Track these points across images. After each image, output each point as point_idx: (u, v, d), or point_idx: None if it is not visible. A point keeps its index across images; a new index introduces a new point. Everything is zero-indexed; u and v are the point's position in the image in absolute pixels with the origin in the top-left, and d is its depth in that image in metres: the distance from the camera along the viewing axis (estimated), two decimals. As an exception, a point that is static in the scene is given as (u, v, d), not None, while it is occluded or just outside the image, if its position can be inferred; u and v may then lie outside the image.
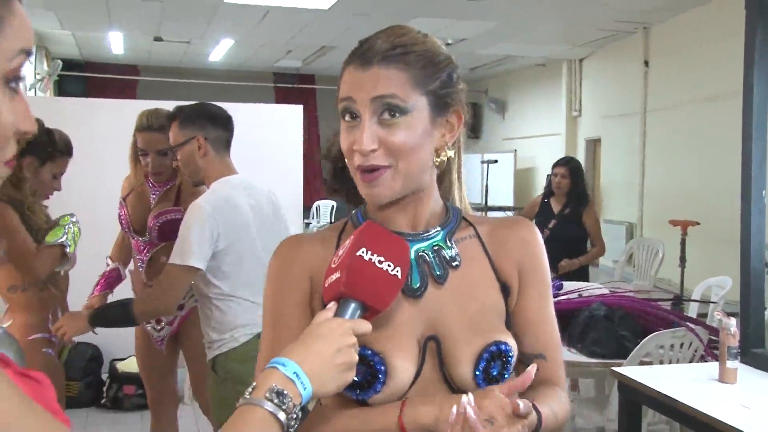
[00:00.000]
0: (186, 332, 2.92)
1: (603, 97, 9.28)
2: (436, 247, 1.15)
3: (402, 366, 1.07)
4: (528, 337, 1.17)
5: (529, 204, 5.48)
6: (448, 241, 1.16)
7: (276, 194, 5.26)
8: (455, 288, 1.14)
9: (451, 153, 1.17)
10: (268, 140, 5.13)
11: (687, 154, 7.52)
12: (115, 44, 10.67)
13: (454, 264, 1.15)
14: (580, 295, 3.57)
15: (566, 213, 4.91)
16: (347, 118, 1.09)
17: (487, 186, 7.90)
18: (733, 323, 2.15)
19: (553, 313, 1.22)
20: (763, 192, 2.29)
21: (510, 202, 10.66)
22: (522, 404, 0.99)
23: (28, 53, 0.69)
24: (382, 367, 1.06)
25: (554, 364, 1.20)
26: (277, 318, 1.15)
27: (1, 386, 0.64)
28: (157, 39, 9.90)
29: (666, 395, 2.03)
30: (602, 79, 9.39)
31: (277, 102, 11.65)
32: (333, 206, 10.91)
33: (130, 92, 11.99)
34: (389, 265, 1.02)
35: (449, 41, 9.16)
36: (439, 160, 1.14)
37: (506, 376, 1.11)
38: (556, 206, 4.98)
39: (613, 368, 2.34)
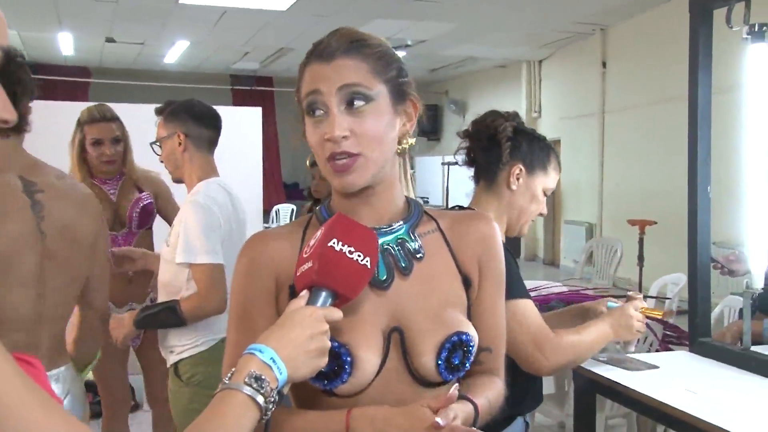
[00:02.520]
0: (148, 338, 2.90)
1: (562, 98, 9.33)
2: (400, 240, 1.18)
3: (367, 357, 1.11)
4: (479, 329, 1.20)
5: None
6: (411, 235, 1.20)
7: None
8: (419, 280, 1.17)
9: (412, 140, 1.21)
10: (226, 143, 5.00)
11: (644, 154, 7.58)
12: (65, 45, 10.40)
13: (418, 256, 1.18)
14: (539, 294, 3.56)
15: None
16: (314, 113, 1.12)
17: (447, 187, 7.88)
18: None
19: (504, 306, 1.27)
20: (708, 188, 2.34)
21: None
22: (442, 421, 1.05)
23: (2, 49, 0.71)
24: (348, 359, 1.09)
25: (498, 356, 1.27)
26: (243, 314, 1.18)
27: (4, 367, 0.66)
28: (110, 40, 9.66)
29: (617, 383, 2.07)
30: (561, 80, 9.44)
31: (235, 104, 11.48)
32: (293, 209, 10.80)
33: (81, 95, 11.71)
34: (359, 255, 1.05)
35: (409, 42, 9.11)
36: (401, 147, 1.19)
37: (467, 365, 1.16)
38: None
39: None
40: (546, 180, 1.99)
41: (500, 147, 1.93)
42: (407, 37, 8.79)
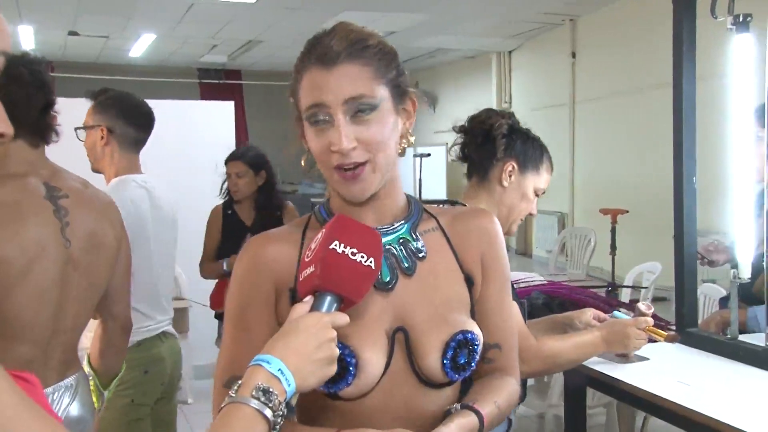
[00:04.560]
0: None
1: (532, 89, 9.36)
2: (402, 240, 1.17)
3: (372, 358, 1.09)
4: (486, 327, 1.19)
5: None
6: (413, 234, 1.18)
7: (207, 195, 5.04)
8: (422, 280, 1.16)
9: (412, 139, 1.18)
10: (197, 138, 4.93)
11: (615, 144, 7.64)
12: (26, 39, 10.12)
13: (420, 255, 1.17)
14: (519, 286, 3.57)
15: None
16: (317, 123, 1.09)
17: (420, 180, 7.85)
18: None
19: (511, 300, 1.26)
20: (694, 179, 2.35)
21: (443, 196, 10.66)
22: None
23: (5, 54, 0.72)
24: (353, 360, 1.08)
25: (510, 353, 1.25)
26: (239, 320, 1.15)
27: (1, 384, 0.64)
28: (73, 33, 9.43)
29: (609, 376, 2.07)
30: (531, 71, 9.47)
31: (203, 98, 11.32)
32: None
33: (44, 90, 11.41)
34: (363, 257, 1.03)
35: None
36: (401, 147, 1.16)
37: (473, 364, 1.14)
38: None
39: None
40: (537, 180, 2.01)
41: (494, 143, 1.96)
42: (377, 29, 8.71)
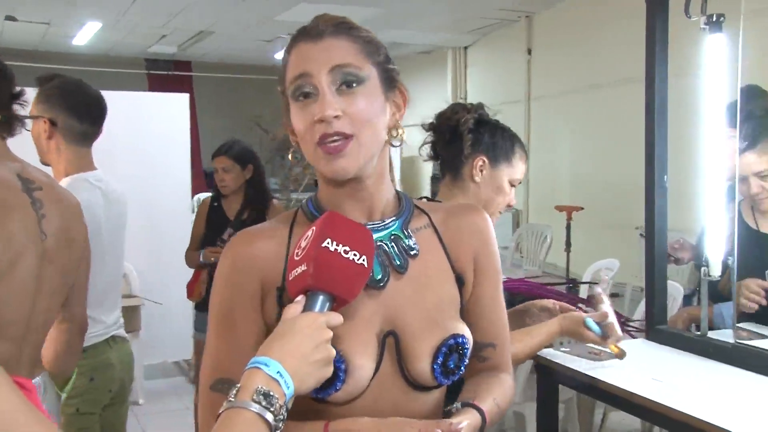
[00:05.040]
0: None
1: (488, 85, 9.39)
2: (393, 237, 1.14)
3: (361, 363, 1.07)
4: (481, 325, 1.19)
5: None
6: (405, 231, 1.15)
7: (161, 189, 4.92)
8: (414, 279, 1.13)
9: (402, 132, 1.17)
10: (151, 131, 4.80)
11: (570, 141, 7.72)
12: (-39, 25, 9.72)
13: (412, 253, 1.14)
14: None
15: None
16: (303, 97, 1.06)
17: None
18: (599, 290, 2.12)
19: (503, 298, 1.25)
20: (665, 177, 2.37)
21: (398, 188, 10.63)
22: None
23: None
24: (342, 365, 1.05)
25: (503, 350, 1.25)
26: (225, 319, 1.12)
27: (4, 389, 0.64)
28: (10, 18, 9.04)
29: (584, 374, 2.07)
30: (487, 67, 9.50)
31: (151, 90, 11.04)
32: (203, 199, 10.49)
33: (-18, 78, 10.96)
34: (355, 255, 1.00)
35: (333, 27, 8.96)
36: (397, 138, 1.15)
37: (462, 368, 1.13)
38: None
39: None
40: (511, 171, 2.00)
41: (462, 140, 1.93)
42: (332, 22, 8.64)
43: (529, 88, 8.30)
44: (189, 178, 5.08)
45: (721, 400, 1.88)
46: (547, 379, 2.22)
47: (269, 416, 0.89)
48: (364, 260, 1.01)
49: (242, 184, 3.59)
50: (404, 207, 1.17)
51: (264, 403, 0.89)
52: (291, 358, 0.93)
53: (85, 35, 10.15)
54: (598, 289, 2.07)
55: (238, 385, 0.91)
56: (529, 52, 8.30)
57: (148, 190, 4.72)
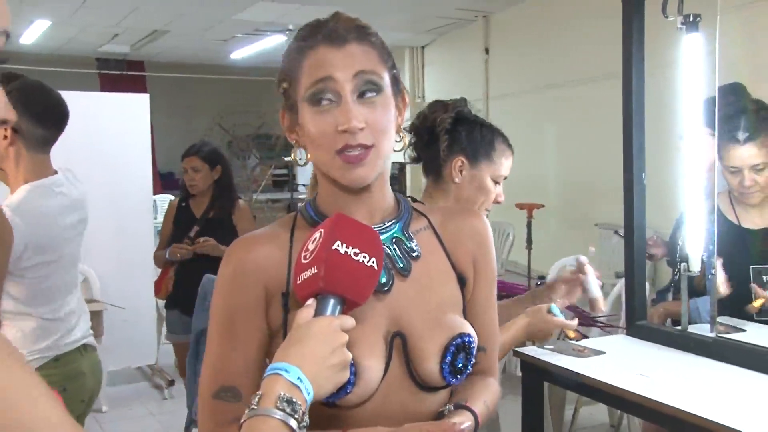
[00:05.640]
0: None
1: (446, 85, 9.45)
2: (395, 239, 1.14)
3: (371, 365, 1.06)
4: (475, 328, 1.17)
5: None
6: (406, 233, 1.15)
7: (122, 191, 4.80)
8: (418, 280, 1.13)
9: (407, 138, 1.18)
10: (111, 132, 4.68)
11: (529, 139, 7.80)
12: None
13: (414, 255, 1.14)
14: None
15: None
16: (321, 102, 1.04)
17: (337, 175, 7.78)
18: (584, 258, 2.14)
19: (496, 303, 1.26)
20: (643, 175, 2.39)
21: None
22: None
23: (7, 34, 0.67)
24: (352, 368, 1.04)
25: (492, 355, 1.26)
26: (228, 326, 1.10)
27: (12, 365, 0.59)
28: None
29: (571, 370, 2.07)
30: (444, 66, 9.56)
31: (103, 90, 10.79)
32: (171, 200, 10.31)
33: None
34: (365, 257, 0.99)
35: (291, 27, 8.89)
36: (401, 143, 1.15)
37: (469, 367, 1.13)
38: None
39: (515, 348, 2.33)
40: (493, 168, 1.97)
41: (439, 141, 1.91)
42: (290, 22, 8.58)
43: (487, 87, 8.38)
44: (150, 179, 4.97)
45: (707, 393, 1.91)
46: (533, 376, 2.23)
47: (293, 423, 0.88)
48: (373, 262, 1.00)
49: (210, 184, 3.66)
50: (403, 209, 1.17)
51: (288, 410, 0.88)
52: (309, 364, 0.92)
53: (33, 33, 9.87)
54: (583, 258, 2.06)
55: (260, 393, 0.90)
56: (487, 51, 8.39)
57: (109, 193, 4.61)
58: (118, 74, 11.57)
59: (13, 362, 0.57)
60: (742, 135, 2.18)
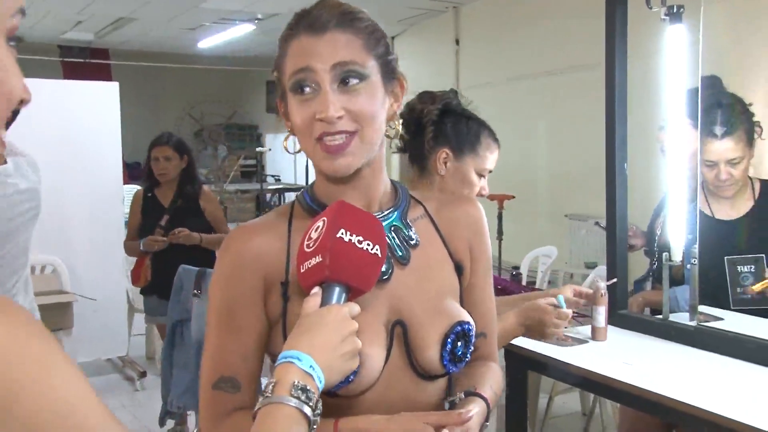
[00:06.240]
0: None
1: (416, 75, 9.42)
2: (393, 228, 1.14)
3: (372, 354, 1.06)
4: (474, 315, 1.17)
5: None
6: (404, 221, 1.15)
7: (91, 181, 4.70)
8: (416, 268, 1.13)
9: (399, 125, 1.17)
10: (80, 121, 4.58)
11: (500, 130, 7.80)
12: None
13: (413, 243, 1.14)
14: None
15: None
16: (303, 91, 1.04)
17: (307, 165, 7.74)
18: (603, 286, 2.26)
19: (493, 289, 1.26)
20: (625, 165, 2.40)
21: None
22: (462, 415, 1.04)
23: (23, 12, 0.65)
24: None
25: (492, 340, 1.26)
26: (228, 316, 1.10)
27: (77, 375, 0.57)
28: None
29: (556, 359, 2.09)
30: (415, 57, 9.54)
31: (65, 78, 10.55)
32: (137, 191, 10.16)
33: None
34: (368, 244, 0.99)
35: (260, 16, 8.80)
36: (394, 131, 1.15)
37: (468, 355, 1.13)
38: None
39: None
40: (477, 161, 1.98)
41: (424, 132, 1.91)
42: (258, 11, 8.48)
43: (458, 78, 8.39)
44: (120, 169, 4.89)
45: (691, 380, 1.95)
46: (517, 365, 2.24)
47: (308, 410, 0.87)
48: (377, 250, 0.99)
49: (177, 173, 3.81)
50: (401, 197, 1.17)
51: (303, 398, 0.87)
52: (321, 352, 0.92)
53: (-7, 19, 9.62)
54: (602, 284, 2.19)
55: (273, 380, 0.89)
56: (457, 42, 8.39)
57: (79, 182, 4.52)
58: (82, 62, 11.34)
59: (69, 367, 0.56)
60: (719, 129, 2.21)
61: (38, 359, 0.53)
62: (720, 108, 2.21)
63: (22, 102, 0.64)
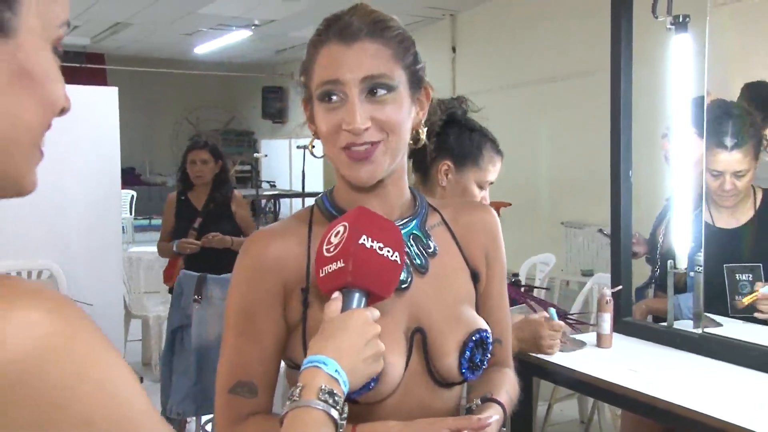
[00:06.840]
0: None
1: (413, 82, 9.45)
2: (413, 236, 1.14)
3: (393, 361, 1.06)
4: (489, 322, 1.18)
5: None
6: (422, 230, 1.15)
7: (90, 186, 4.69)
8: (435, 277, 1.14)
9: (424, 133, 1.16)
10: (79, 126, 4.56)
11: (497, 137, 7.87)
12: None
13: (431, 252, 1.14)
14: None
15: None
16: (330, 100, 1.05)
17: (303, 172, 7.73)
18: (608, 293, 2.28)
19: (507, 296, 1.27)
20: (630, 173, 2.41)
21: (320, 188, 10.57)
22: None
23: (68, 24, 0.65)
24: None
25: (507, 347, 1.27)
26: (246, 319, 1.10)
27: (136, 387, 0.59)
28: None
29: (563, 366, 2.10)
30: (411, 64, 9.58)
31: (61, 83, 10.52)
32: (133, 196, 10.16)
33: None
34: (388, 251, 1.00)
35: (256, 22, 8.80)
36: (422, 139, 1.15)
37: (485, 363, 1.14)
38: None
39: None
40: (479, 174, 1.97)
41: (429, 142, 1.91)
42: (255, 17, 8.49)
43: (455, 85, 8.41)
44: (119, 174, 4.87)
45: (697, 388, 1.94)
46: (523, 372, 2.23)
47: (335, 414, 0.88)
48: (396, 257, 1.00)
49: (211, 177, 4.01)
50: (420, 206, 1.17)
51: (330, 402, 0.88)
52: (346, 356, 0.93)
53: (-11, 24, 9.59)
54: (607, 291, 2.23)
55: (300, 385, 0.90)
56: (454, 50, 8.42)
57: (77, 187, 4.50)
58: (78, 67, 11.31)
59: (116, 356, 0.56)
60: (730, 141, 2.22)
61: (98, 356, 0.54)
62: (731, 119, 2.22)
63: (63, 111, 0.64)
